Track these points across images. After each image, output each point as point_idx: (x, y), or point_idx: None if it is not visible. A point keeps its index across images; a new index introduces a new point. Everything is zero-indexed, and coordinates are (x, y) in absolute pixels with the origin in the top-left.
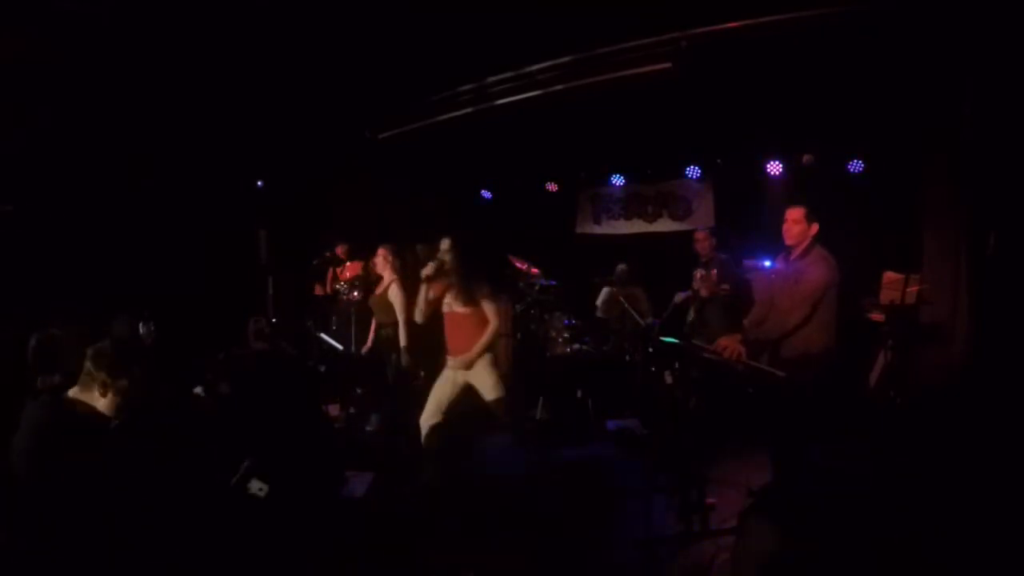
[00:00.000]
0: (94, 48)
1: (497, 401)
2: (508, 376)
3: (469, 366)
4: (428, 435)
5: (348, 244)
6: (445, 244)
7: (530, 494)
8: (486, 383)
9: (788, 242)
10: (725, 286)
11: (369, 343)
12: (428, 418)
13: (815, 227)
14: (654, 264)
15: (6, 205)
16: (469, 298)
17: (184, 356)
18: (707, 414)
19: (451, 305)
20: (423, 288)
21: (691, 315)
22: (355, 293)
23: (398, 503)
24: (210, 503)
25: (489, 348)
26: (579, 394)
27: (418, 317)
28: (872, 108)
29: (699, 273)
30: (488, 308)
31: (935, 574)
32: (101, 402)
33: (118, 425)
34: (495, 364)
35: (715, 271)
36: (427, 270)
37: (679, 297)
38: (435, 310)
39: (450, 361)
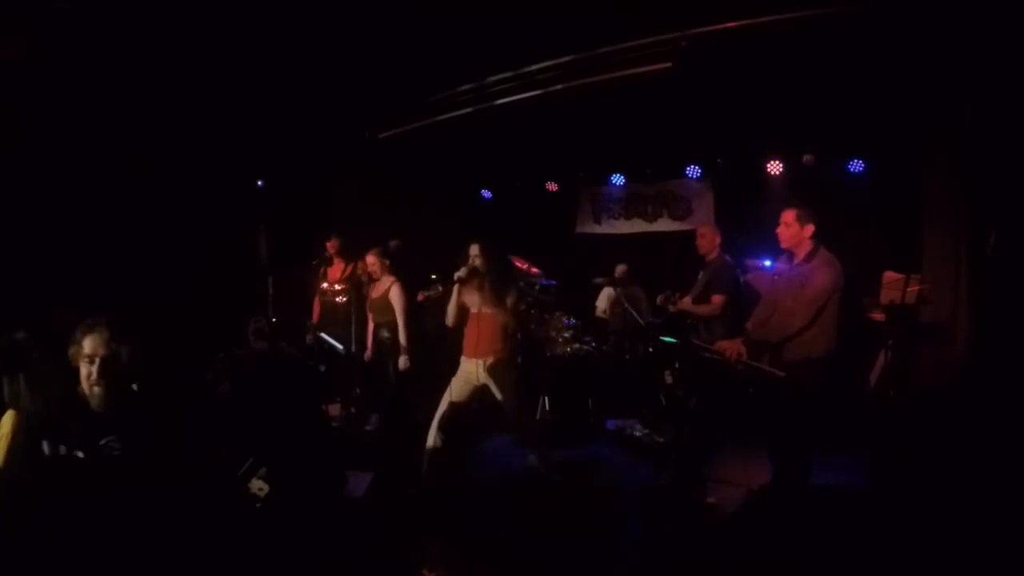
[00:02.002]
0: (94, 48)
1: (512, 402)
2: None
3: (494, 366)
4: (438, 435)
5: (338, 240)
6: (474, 249)
7: (530, 494)
8: (504, 383)
9: (783, 245)
10: (716, 298)
11: (369, 347)
12: (445, 418)
13: (810, 228)
14: (654, 264)
15: None
16: (500, 300)
17: (184, 356)
18: (707, 414)
19: (479, 306)
20: (455, 292)
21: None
22: (341, 296)
23: (398, 503)
24: (210, 503)
25: (508, 349)
26: (579, 394)
27: (449, 321)
28: (872, 108)
29: (660, 298)
30: (512, 313)
31: (935, 573)
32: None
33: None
34: (513, 366)
35: (663, 296)
36: (460, 273)
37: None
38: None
39: (468, 362)
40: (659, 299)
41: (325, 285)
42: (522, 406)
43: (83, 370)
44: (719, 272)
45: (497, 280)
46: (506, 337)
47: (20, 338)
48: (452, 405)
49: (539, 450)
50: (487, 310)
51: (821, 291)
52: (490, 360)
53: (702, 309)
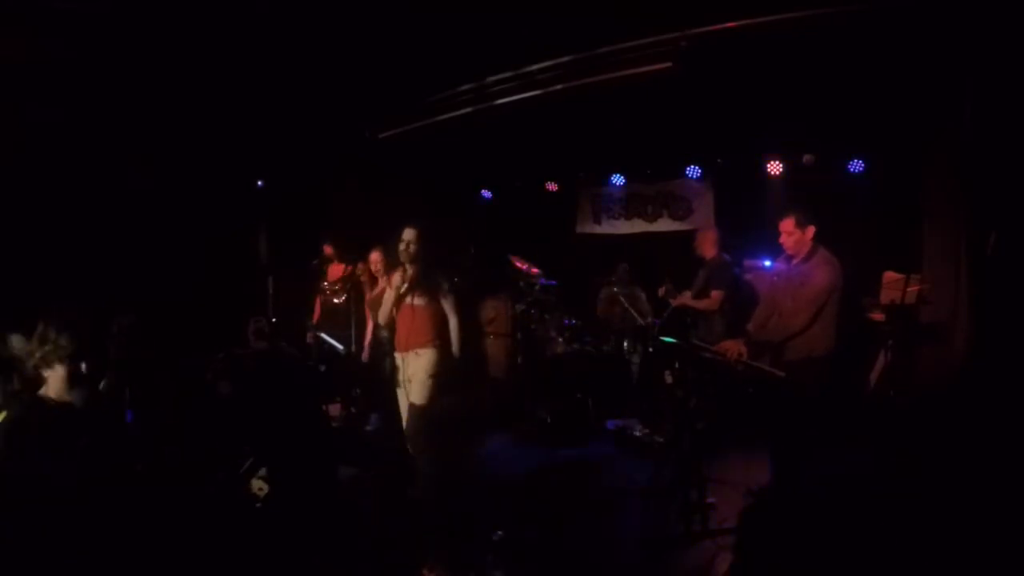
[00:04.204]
0: (94, 48)
1: (418, 409)
2: (507, 376)
3: (417, 362)
4: (414, 439)
5: (334, 244)
6: (409, 234)
7: (530, 494)
8: (422, 386)
9: (788, 252)
10: (715, 293)
11: (367, 347)
12: (413, 422)
13: (811, 230)
14: (654, 264)
15: None
16: (428, 291)
17: (184, 356)
18: (707, 414)
19: (408, 297)
20: (387, 284)
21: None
22: (339, 297)
23: (398, 503)
24: (210, 502)
25: (441, 344)
26: (579, 394)
27: (382, 318)
28: (872, 108)
29: (661, 290)
30: (448, 303)
31: (935, 573)
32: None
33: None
34: (440, 361)
35: (664, 287)
36: (398, 282)
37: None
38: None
39: (398, 357)
40: (660, 291)
41: (325, 284)
42: (425, 421)
43: (62, 370)
44: (718, 270)
45: (427, 269)
46: (438, 333)
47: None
48: (411, 407)
49: (539, 450)
50: (417, 301)
51: (821, 290)
52: (414, 353)
53: (702, 304)
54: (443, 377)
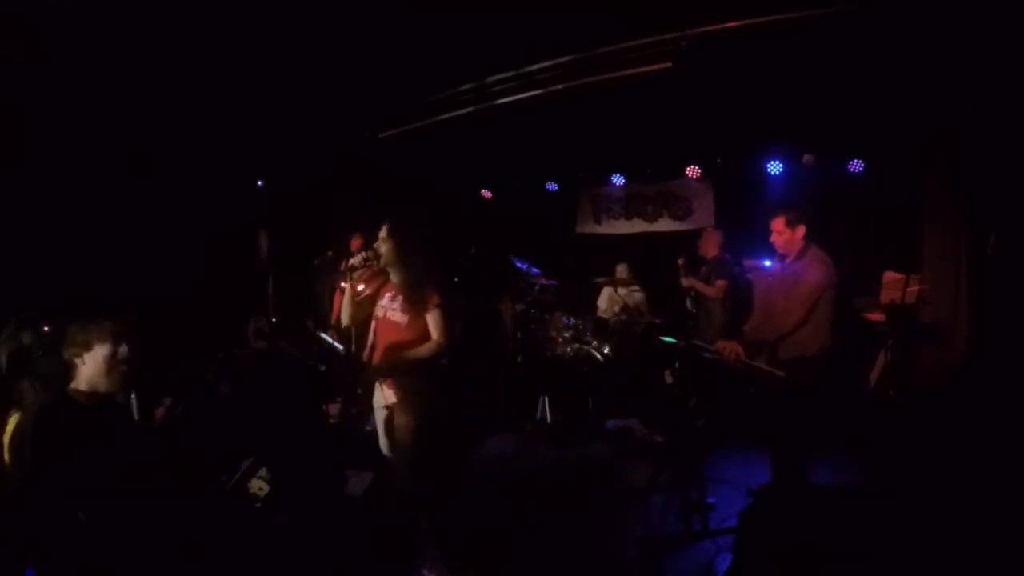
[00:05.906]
0: (94, 48)
1: (406, 431)
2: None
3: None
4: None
5: (363, 237)
6: (384, 231)
7: (530, 494)
8: (402, 423)
9: (779, 251)
10: (720, 283)
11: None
12: (385, 449)
13: (801, 229)
14: (654, 264)
15: None
16: (414, 304)
17: (184, 356)
18: (707, 414)
19: (386, 309)
20: (349, 284)
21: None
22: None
23: (398, 503)
24: (210, 503)
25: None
26: (579, 394)
27: (344, 319)
28: (872, 108)
29: (681, 260)
30: (435, 319)
31: (936, 573)
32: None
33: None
34: (422, 392)
35: (683, 260)
36: (354, 260)
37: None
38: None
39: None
40: (680, 260)
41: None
42: (420, 460)
43: (101, 352)
44: (720, 266)
45: (411, 276)
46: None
47: (25, 340)
48: (383, 435)
49: (539, 450)
50: (394, 316)
51: (814, 288)
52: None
53: (708, 290)
54: (431, 425)
